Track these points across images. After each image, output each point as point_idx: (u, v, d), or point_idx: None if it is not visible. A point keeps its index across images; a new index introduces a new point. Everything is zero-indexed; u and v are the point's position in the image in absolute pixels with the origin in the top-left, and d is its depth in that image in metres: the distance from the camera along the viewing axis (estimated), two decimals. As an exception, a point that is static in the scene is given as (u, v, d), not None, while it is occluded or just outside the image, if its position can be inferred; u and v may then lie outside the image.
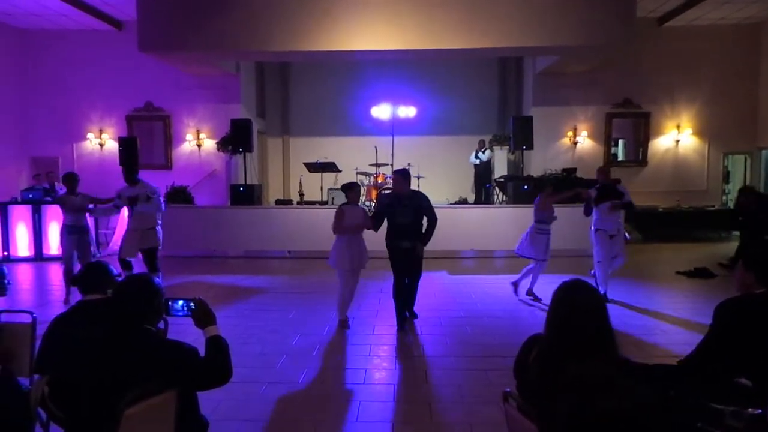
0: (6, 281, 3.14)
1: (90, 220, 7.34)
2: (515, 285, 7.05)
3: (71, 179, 6.99)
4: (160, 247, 6.94)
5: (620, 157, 13.38)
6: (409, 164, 11.81)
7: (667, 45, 12.34)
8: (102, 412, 2.13)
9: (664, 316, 6.17)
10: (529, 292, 6.94)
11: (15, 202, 10.33)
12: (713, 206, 12.34)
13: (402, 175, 5.82)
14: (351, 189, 5.77)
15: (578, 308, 1.95)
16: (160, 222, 7.03)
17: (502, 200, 11.64)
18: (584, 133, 12.78)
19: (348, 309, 5.88)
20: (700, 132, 12.78)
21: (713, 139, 12.76)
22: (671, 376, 2.64)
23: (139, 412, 2.11)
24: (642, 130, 12.90)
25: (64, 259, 7.01)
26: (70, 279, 6.35)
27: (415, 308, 6.20)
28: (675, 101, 12.73)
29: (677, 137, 12.79)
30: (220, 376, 2.34)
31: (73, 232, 6.87)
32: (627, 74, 12.49)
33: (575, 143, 12.81)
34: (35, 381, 2.73)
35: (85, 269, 2.97)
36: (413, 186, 11.01)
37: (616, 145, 13.43)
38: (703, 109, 12.70)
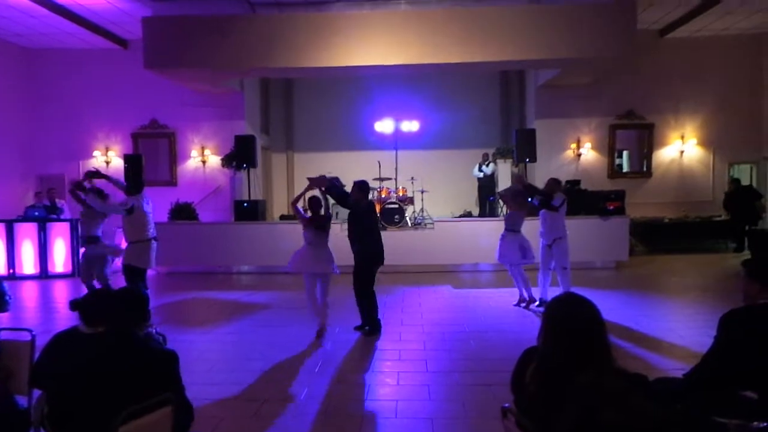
0: (6, 297, 3.12)
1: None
2: None
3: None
4: (133, 264, 6.42)
5: (625, 168, 13.33)
6: (413, 178, 11.82)
7: (670, 56, 12.34)
8: (97, 430, 2.12)
9: (666, 328, 6.09)
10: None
11: (19, 219, 10.39)
12: (719, 216, 12.24)
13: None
14: None
15: (574, 320, 1.91)
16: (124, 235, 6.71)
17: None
18: (588, 145, 12.76)
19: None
20: (704, 142, 12.73)
21: (718, 149, 12.70)
22: (676, 389, 2.59)
23: (134, 429, 2.09)
24: (646, 141, 12.87)
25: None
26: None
27: (420, 321, 6.37)
28: (679, 112, 12.71)
29: (682, 148, 12.74)
30: (188, 416, 2.54)
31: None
32: (630, 86, 12.50)
33: (579, 155, 12.79)
34: (36, 398, 2.71)
35: (89, 298, 2.89)
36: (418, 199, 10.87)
37: (621, 156, 13.39)
38: (708, 119, 12.67)
